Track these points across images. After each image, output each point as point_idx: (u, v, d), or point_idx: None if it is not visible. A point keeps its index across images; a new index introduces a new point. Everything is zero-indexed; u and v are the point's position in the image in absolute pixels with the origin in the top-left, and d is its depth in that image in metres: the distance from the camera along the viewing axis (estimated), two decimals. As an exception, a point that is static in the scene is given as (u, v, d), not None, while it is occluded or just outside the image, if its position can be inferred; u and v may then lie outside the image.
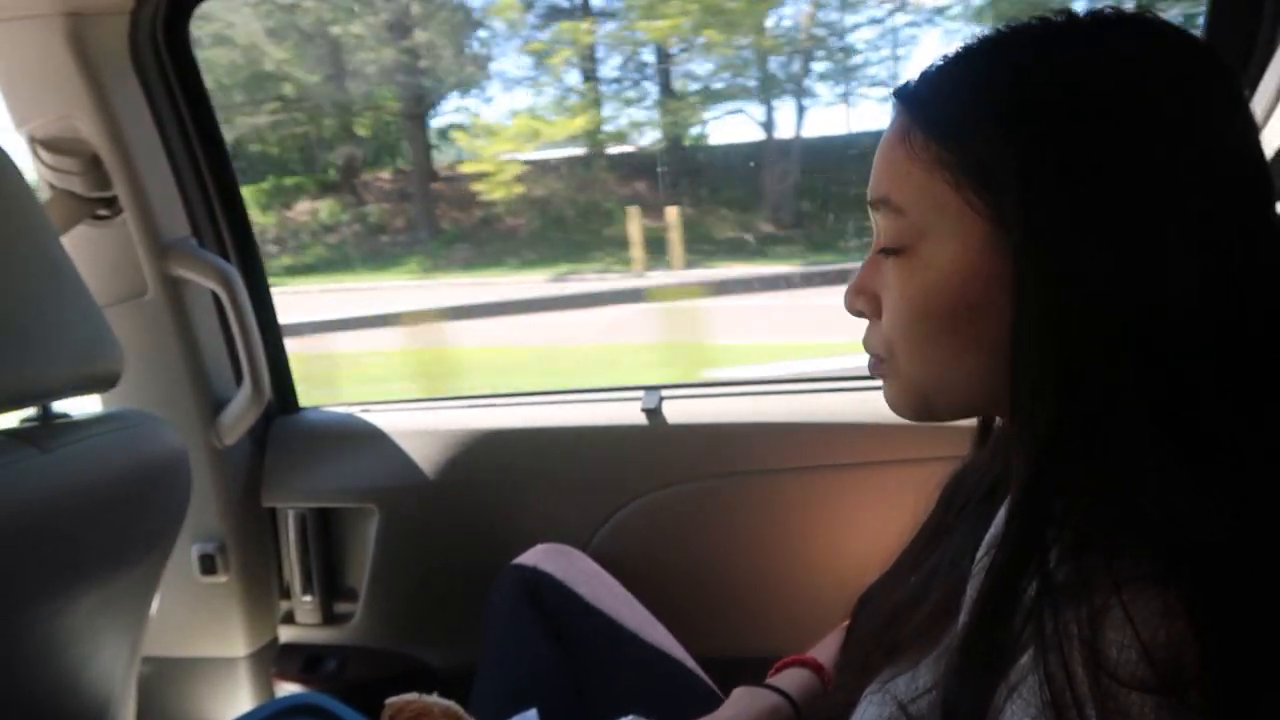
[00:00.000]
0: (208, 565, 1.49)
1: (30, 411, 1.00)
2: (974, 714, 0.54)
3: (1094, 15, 0.58)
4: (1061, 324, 0.54)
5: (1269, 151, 1.10)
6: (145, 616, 1.16)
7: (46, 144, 1.31)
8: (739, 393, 1.49)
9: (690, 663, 1.19)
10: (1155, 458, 0.52)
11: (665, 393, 1.47)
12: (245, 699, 1.57)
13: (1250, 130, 0.57)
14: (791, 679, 0.94)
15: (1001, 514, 0.63)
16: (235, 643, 1.54)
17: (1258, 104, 1.15)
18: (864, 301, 0.66)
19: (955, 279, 0.59)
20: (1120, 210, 0.53)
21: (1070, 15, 0.58)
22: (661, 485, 1.42)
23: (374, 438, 1.54)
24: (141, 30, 1.32)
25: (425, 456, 1.50)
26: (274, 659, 1.57)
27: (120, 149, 1.30)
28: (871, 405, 1.36)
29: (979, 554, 0.63)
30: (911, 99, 0.62)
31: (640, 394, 1.48)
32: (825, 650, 0.98)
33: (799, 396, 1.45)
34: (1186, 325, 0.53)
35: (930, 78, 0.62)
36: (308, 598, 1.56)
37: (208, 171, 1.45)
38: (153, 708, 1.55)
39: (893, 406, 0.66)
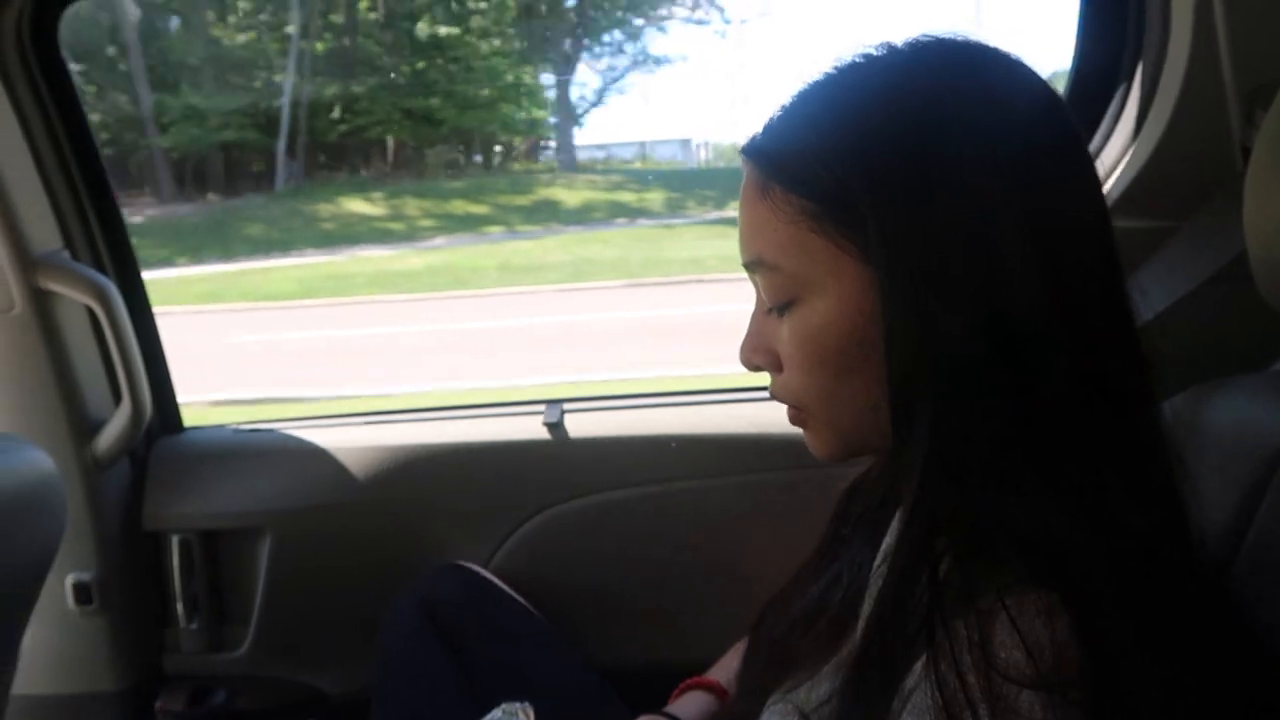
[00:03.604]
0: (83, 595, 1.40)
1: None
2: None
3: (912, 44, 0.61)
4: (927, 347, 0.56)
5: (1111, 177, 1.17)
6: (15, 654, 1.09)
7: None
8: (641, 405, 1.49)
9: (597, 681, 1.18)
10: (1022, 468, 0.55)
11: (567, 406, 1.46)
12: (127, 736, 1.49)
13: (1074, 141, 0.61)
14: (691, 704, 0.94)
15: (896, 523, 0.64)
16: (115, 677, 1.46)
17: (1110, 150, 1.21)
18: (761, 358, 0.67)
19: (844, 322, 0.60)
20: (967, 229, 0.56)
21: (890, 46, 0.61)
22: (564, 500, 1.40)
23: (264, 457, 1.48)
24: (6, 36, 1.25)
25: (319, 476, 1.45)
26: (158, 692, 1.50)
27: (-16, 157, 1.23)
28: (772, 415, 1.38)
29: (876, 562, 0.64)
30: (763, 155, 0.63)
31: (542, 408, 1.46)
32: (725, 669, 0.98)
33: (701, 408, 1.46)
34: (1040, 342, 0.55)
35: (775, 129, 0.64)
36: (194, 626, 1.49)
37: (81, 181, 1.38)
38: (24, 751, 1.46)
39: (819, 454, 0.67)
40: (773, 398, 0.68)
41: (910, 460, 0.57)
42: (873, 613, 0.58)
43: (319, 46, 11.98)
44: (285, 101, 11.92)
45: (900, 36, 0.62)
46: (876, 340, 0.58)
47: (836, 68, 0.62)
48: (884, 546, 0.64)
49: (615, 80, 13.41)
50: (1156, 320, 1.09)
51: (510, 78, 12.88)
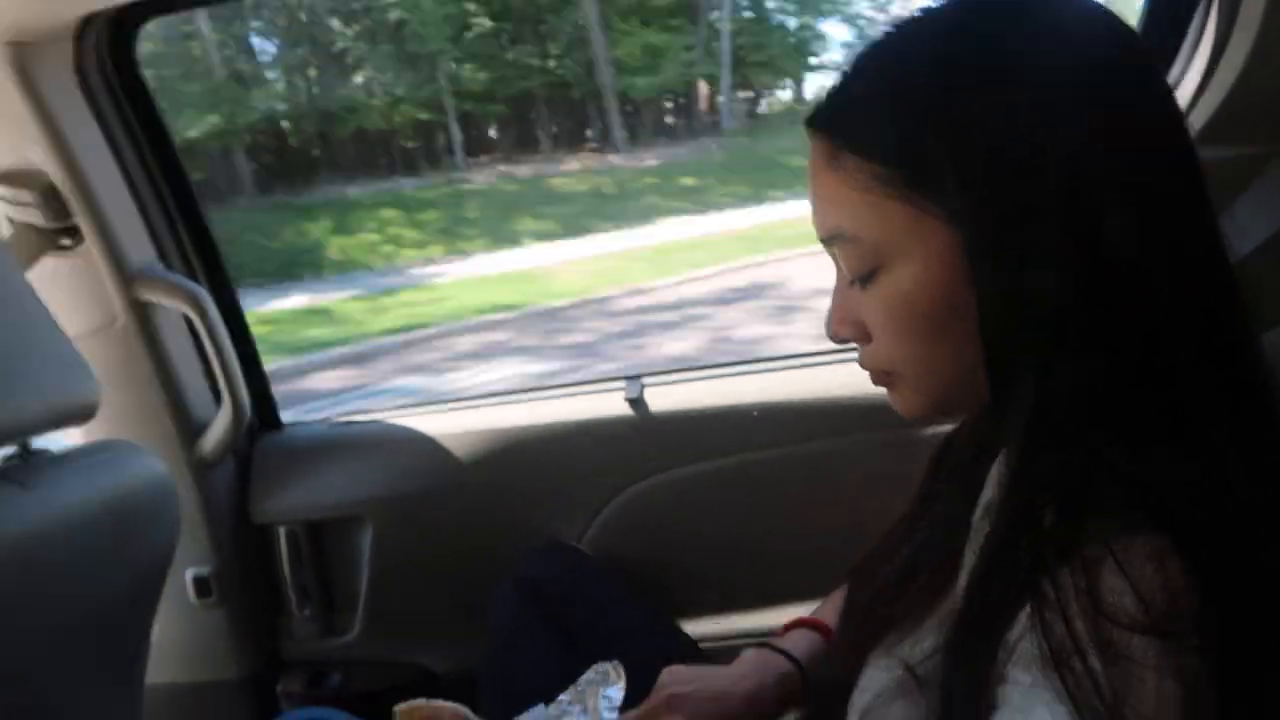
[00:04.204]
0: (203, 588, 1.48)
1: (9, 450, 0.99)
2: (975, 677, 0.54)
3: None
4: (1020, 302, 0.55)
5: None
6: (146, 647, 1.15)
7: (2, 177, 1.29)
8: (721, 374, 1.49)
9: (695, 653, 1.19)
10: (1126, 415, 0.53)
11: (647, 380, 1.47)
12: (251, 720, 1.57)
13: (1159, 86, 0.58)
14: (798, 641, 0.93)
15: (993, 475, 0.63)
16: (236, 664, 1.53)
17: (1185, 88, 1.15)
18: (849, 330, 0.66)
19: (931, 286, 0.59)
20: (1049, 177, 0.54)
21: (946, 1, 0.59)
22: (650, 474, 1.42)
23: (359, 448, 1.53)
24: (87, 54, 1.30)
25: (411, 463, 1.49)
26: (278, 677, 1.57)
27: (76, 177, 1.29)
28: (852, 377, 1.37)
29: (975, 516, 0.64)
30: (828, 125, 0.62)
31: (622, 384, 1.48)
32: (830, 611, 0.97)
33: (779, 374, 1.45)
34: (1133, 285, 0.54)
35: (839, 97, 0.62)
36: (306, 613, 1.55)
37: (169, 193, 1.44)
38: (159, 737, 1.54)
39: (907, 414, 0.66)
40: (863, 367, 0.67)
41: (1013, 419, 0.56)
42: (976, 566, 0.57)
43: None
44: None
45: None
46: (967, 300, 0.57)
47: (895, 26, 0.61)
48: (983, 500, 0.63)
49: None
50: (1255, 252, 1.04)
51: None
